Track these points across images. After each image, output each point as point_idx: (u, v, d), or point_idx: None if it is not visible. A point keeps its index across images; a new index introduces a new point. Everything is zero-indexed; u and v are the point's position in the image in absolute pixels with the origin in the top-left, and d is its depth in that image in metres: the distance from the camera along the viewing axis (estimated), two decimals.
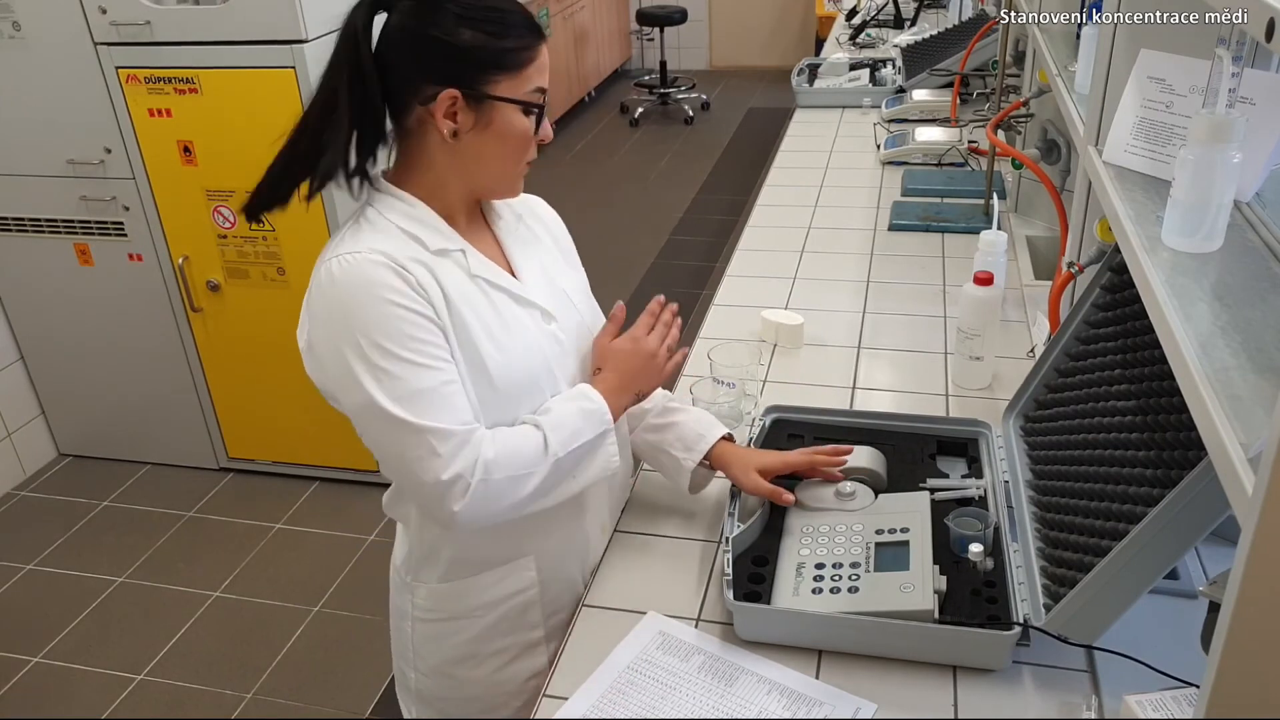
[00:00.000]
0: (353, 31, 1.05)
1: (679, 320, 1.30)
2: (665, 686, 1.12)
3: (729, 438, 1.35)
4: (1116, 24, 1.27)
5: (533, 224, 1.30)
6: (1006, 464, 1.36)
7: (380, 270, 1.05)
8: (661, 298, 1.31)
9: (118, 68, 2.60)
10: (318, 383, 1.12)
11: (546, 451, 1.12)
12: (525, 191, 1.30)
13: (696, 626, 1.20)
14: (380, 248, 1.07)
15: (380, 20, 1.08)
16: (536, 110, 1.11)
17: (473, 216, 1.21)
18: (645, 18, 7.10)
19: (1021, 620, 1.08)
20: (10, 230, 2.93)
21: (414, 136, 1.11)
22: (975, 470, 1.39)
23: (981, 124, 2.47)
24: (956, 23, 3.85)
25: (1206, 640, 0.95)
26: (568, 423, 1.15)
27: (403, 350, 1.04)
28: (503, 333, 1.14)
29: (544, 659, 1.28)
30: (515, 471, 1.10)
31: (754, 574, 1.22)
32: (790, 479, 1.37)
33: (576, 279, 1.32)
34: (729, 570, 1.18)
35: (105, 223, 2.85)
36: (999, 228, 1.75)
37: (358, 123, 1.08)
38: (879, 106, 3.18)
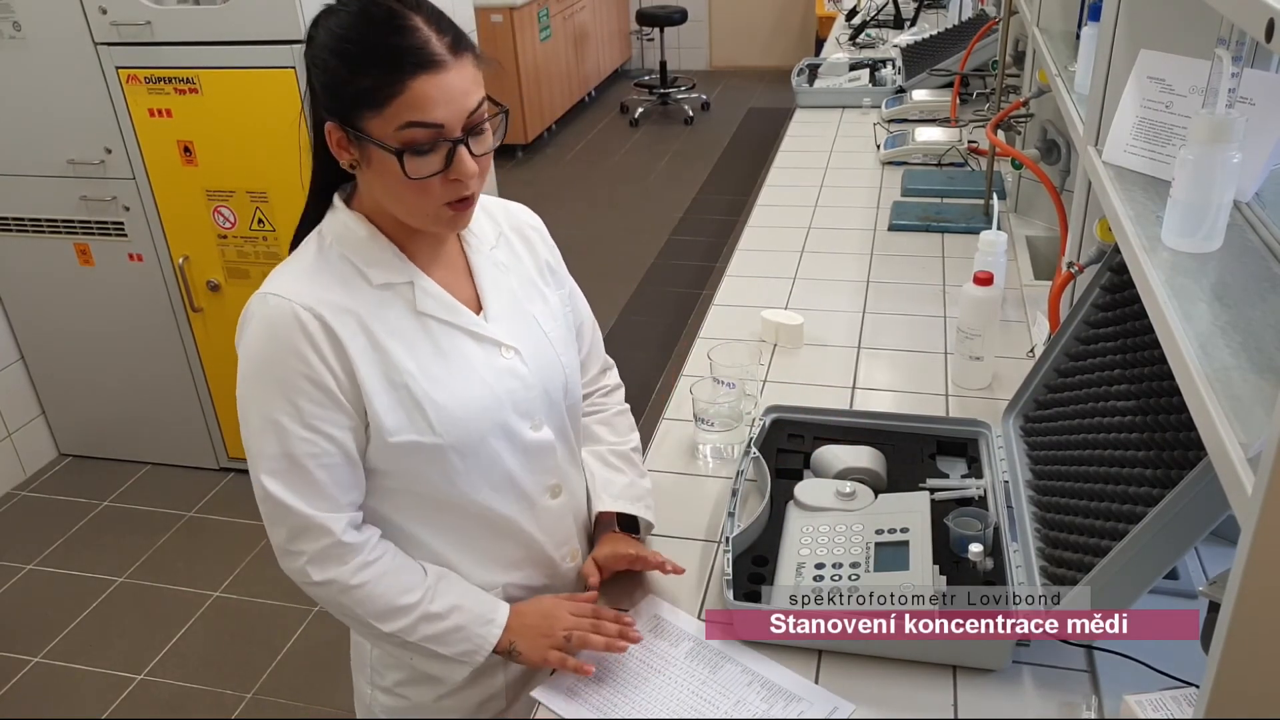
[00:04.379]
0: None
1: (620, 641, 1.15)
2: (650, 668, 1.14)
3: (629, 519, 1.31)
4: (1116, 24, 1.27)
5: (514, 240, 1.23)
6: (1006, 464, 1.36)
7: (293, 329, 1.03)
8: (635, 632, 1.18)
9: (118, 68, 2.60)
10: None
11: (395, 628, 1.12)
12: (527, 192, 1.28)
13: None
14: (310, 294, 1.05)
15: None
16: (406, 152, 0.98)
17: (441, 239, 1.15)
18: (645, 18, 7.10)
19: None
20: (10, 230, 2.93)
21: None
22: (975, 470, 1.39)
23: (981, 124, 2.47)
24: (956, 23, 3.85)
25: (1206, 640, 0.95)
26: (447, 625, 1.13)
27: (282, 415, 1.05)
28: (445, 373, 1.10)
29: (500, 682, 1.25)
30: (363, 609, 1.11)
31: (754, 574, 1.22)
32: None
33: (552, 301, 1.24)
34: (729, 570, 1.19)
35: (105, 223, 2.85)
36: (999, 228, 1.75)
37: (314, 141, 1.07)
38: (879, 106, 3.18)
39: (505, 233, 1.23)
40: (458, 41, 1.00)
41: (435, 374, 1.09)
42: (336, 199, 1.13)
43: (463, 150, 1.00)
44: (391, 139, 0.98)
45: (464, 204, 1.05)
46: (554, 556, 1.25)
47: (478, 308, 1.16)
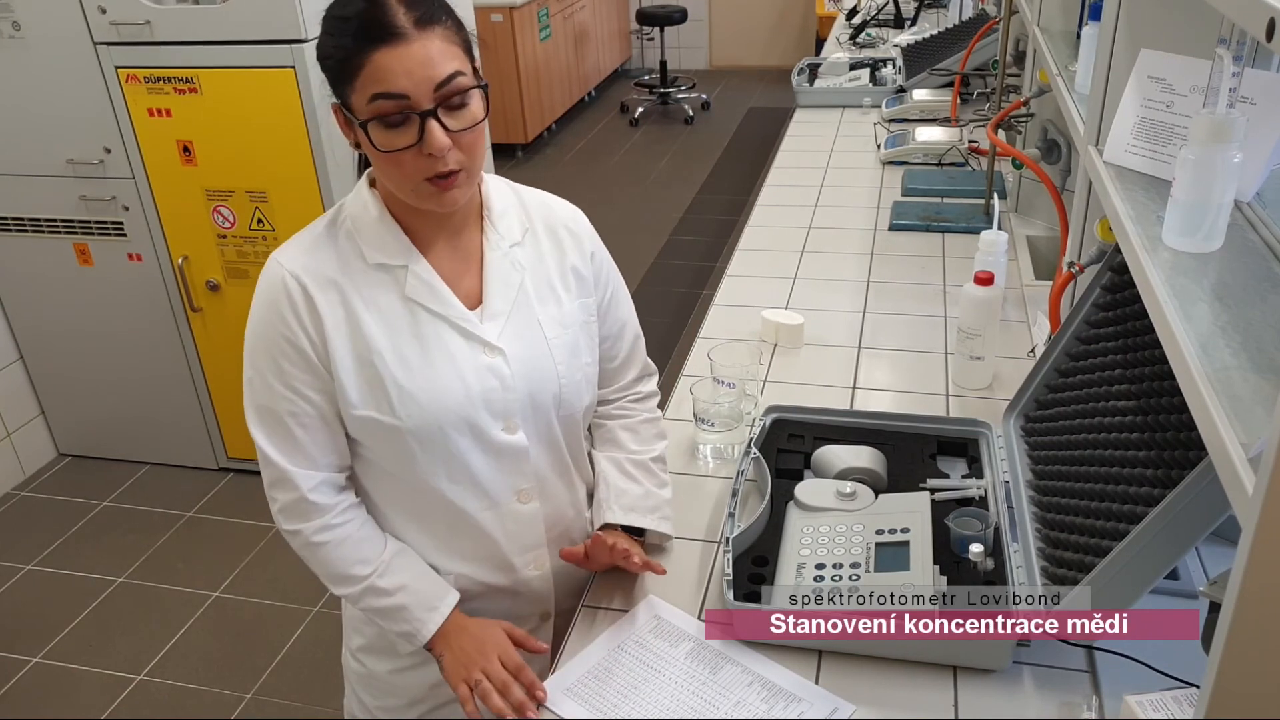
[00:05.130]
0: None
1: (510, 715, 1.12)
2: (650, 669, 1.13)
3: (631, 530, 1.28)
4: (1117, 23, 1.27)
5: (542, 239, 1.22)
6: (1007, 464, 1.36)
7: (280, 293, 1.10)
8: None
9: (117, 67, 2.60)
10: None
11: (344, 593, 1.19)
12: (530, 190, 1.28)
13: None
14: (301, 263, 1.10)
15: None
16: (373, 122, 1.01)
17: (458, 228, 1.16)
18: (645, 17, 7.10)
19: None
20: (10, 230, 2.93)
21: None
22: (975, 470, 1.39)
23: (982, 124, 2.47)
24: (956, 22, 3.85)
25: (1207, 640, 0.95)
26: (392, 602, 1.17)
27: (267, 371, 1.11)
28: (418, 359, 1.11)
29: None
30: (318, 567, 1.19)
31: (754, 574, 1.22)
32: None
33: (568, 306, 1.21)
34: (729, 570, 1.18)
35: (105, 222, 2.85)
36: (999, 227, 1.75)
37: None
38: (879, 106, 3.18)
39: (535, 230, 1.22)
40: (426, 15, 1.02)
41: (407, 358, 1.11)
42: (364, 178, 1.16)
43: (433, 123, 1.01)
44: (364, 112, 1.01)
45: (445, 180, 1.05)
46: (515, 561, 1.24)
47: (479, 303, 1.16)
